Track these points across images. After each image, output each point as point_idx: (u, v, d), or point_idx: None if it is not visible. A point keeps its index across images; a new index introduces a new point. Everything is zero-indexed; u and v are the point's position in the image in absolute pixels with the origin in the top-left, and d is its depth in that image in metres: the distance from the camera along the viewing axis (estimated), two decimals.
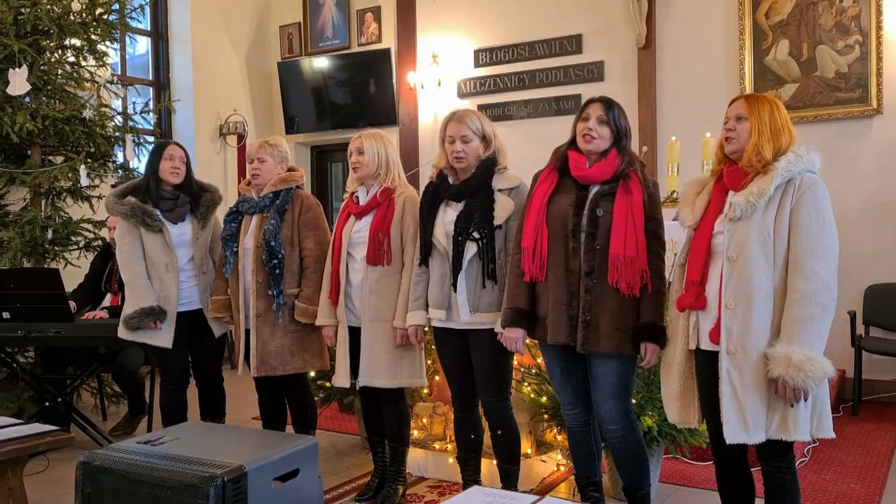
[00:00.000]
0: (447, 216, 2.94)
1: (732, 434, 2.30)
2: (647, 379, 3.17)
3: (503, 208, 2.86)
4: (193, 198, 3.61)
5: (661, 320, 2.59)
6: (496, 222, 2.85)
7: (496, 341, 2.84)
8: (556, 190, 2.71)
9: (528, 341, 2.87)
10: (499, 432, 3.00)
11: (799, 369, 2.18)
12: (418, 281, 3.04)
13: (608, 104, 2.68)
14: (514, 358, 3.06)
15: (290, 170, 3.46)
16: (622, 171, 2.63)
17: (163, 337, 3.48)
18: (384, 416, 3.28)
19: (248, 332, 3.37)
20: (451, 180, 2.98)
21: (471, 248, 2.85)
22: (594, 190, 2.65)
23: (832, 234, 2.27)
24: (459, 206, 2.92)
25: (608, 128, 2.65)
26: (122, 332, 3.48)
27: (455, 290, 2.89)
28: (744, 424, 2.29)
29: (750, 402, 2.29)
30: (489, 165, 2.92)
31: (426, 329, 3.09)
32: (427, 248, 2.97)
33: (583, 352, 2.63)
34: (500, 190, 2.89)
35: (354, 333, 3.18)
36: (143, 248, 3.49)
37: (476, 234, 2.84)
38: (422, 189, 3.10)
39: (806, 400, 2.24)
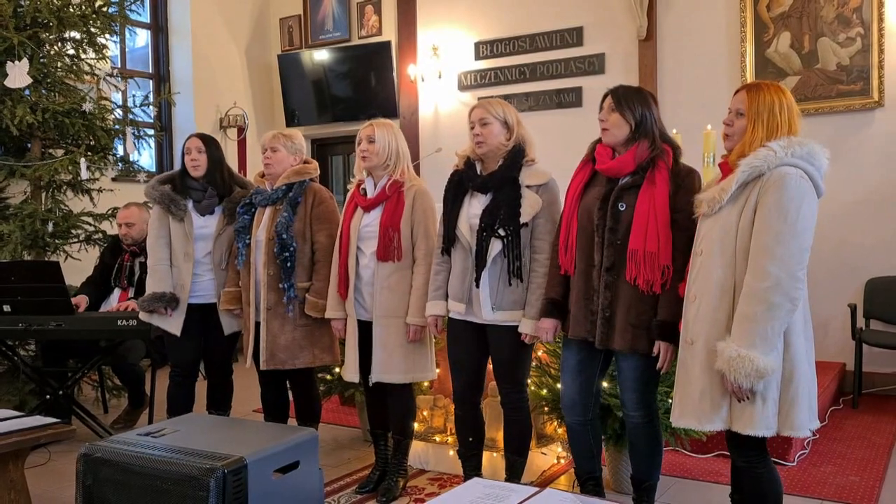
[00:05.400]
0: (472, 208, 2.90)
1: (681, 419, 2.38)
2: None
3: (530, 205, 2.82)
4: (224, 192, 3.59)
5: (678, 318, 2.49)
6: (523, 219, 2.81)
7: (517, 335, 2.83)
8: (590, 183, 2.71)
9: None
10: (513, 430, 2.99)
11: (730, 366, 2.18)
12: (438, 271, 3.00)
13: (615, 92, 2.66)
14: (533, 351, 3.04)
15: (304, 162, 3.44)
16: (648, 162, 2.58)
17: (173, 323, 3.53)
18: (390, 408, 3.26)
19: (258, 324, 3.36)
20: (478, 169, 2.95)
21: (496, 246, 2.81)
22: (620, 183, 2.63)
23: (798, 233, 2.17)
24: (485, 199, 2.88)
25: (619, 115, 2.61)
26: (142, 314, 3.59)
27: (477, 286, 2.86)
28: (693, 411, 2.32)
29: (698, 390, 2.31)
30: (515, 157, 2.88)
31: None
32: (450, 240, 2.93)
33: (600, 347, 2.63)
34: (528, 186, 2.84)
35: (363, 327, 3.17)
36: (169, 234, 3.55)
37: (501, 232, 2.80)
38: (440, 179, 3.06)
39: (749, 398, 2.20)
